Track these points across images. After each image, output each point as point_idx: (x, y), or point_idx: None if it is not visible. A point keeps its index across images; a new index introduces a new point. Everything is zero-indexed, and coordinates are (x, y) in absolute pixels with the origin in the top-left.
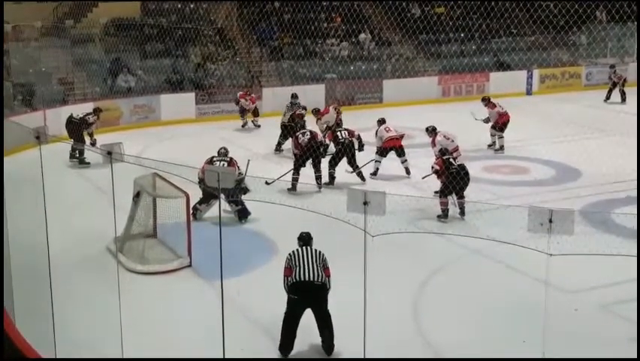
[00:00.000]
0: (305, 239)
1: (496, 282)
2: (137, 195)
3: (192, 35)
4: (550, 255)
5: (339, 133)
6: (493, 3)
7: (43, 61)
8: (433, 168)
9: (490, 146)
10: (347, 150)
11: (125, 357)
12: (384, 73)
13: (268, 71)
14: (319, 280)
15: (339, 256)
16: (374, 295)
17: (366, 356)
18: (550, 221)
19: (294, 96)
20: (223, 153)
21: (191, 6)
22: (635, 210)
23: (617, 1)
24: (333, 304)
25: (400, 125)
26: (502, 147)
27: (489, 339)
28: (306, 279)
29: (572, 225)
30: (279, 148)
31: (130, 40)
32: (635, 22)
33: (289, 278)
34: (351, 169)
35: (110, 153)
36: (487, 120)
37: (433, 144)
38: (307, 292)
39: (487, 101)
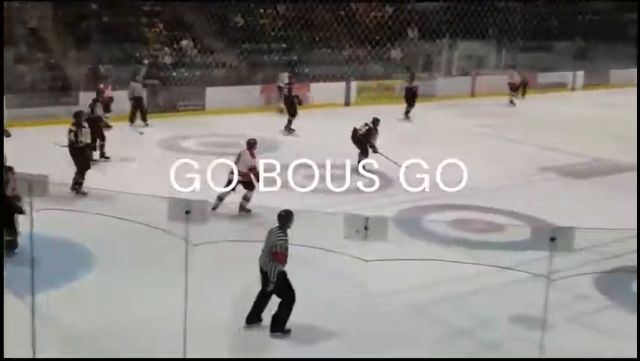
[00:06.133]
0: (280, 217)
1: (321, 286)
2: None
3: None
4: (367, 261)
5: None
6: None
7: None
8: None
9: None
10: None
11: None
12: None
13: None
14: (265, 268)
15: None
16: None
17: None
18: (366, 228)
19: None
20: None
21: None
22: (442, 218)
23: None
24: None
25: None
26: None
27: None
28: (260, 264)
29: (385, 231)
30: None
31: None
32: (443, 40)
33: None
34: None
35: None
36: None
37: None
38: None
39: None
